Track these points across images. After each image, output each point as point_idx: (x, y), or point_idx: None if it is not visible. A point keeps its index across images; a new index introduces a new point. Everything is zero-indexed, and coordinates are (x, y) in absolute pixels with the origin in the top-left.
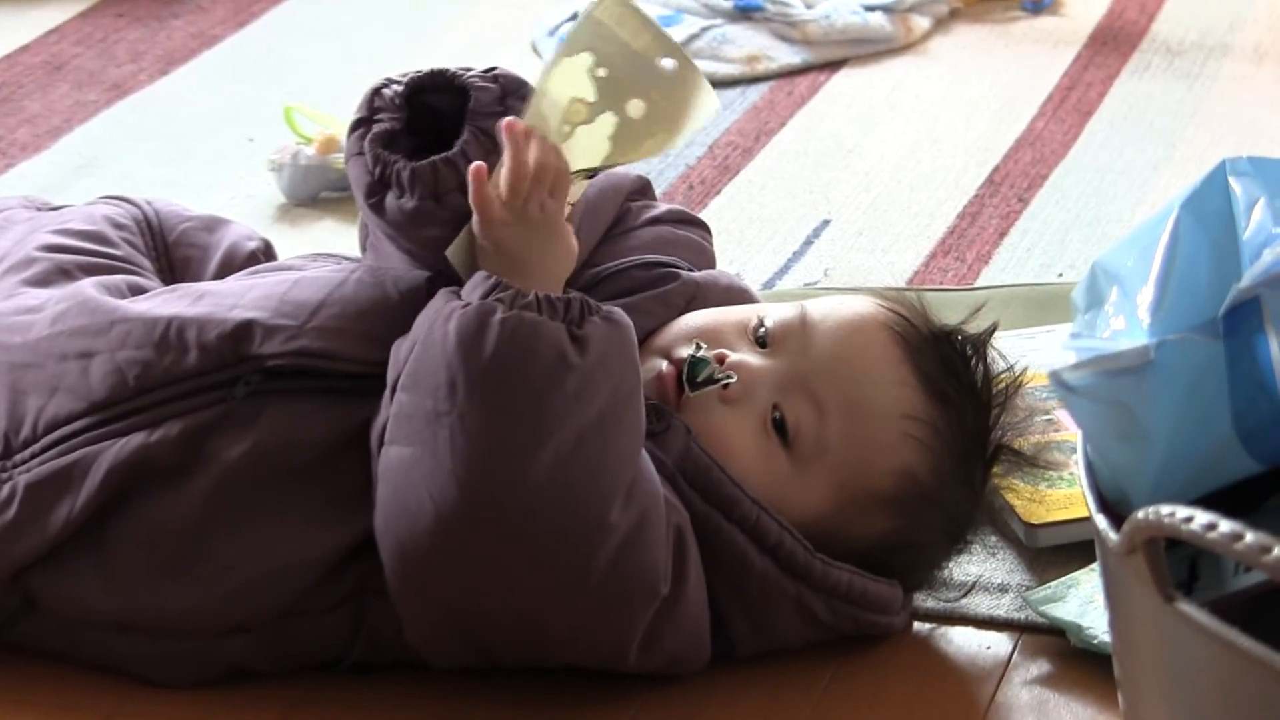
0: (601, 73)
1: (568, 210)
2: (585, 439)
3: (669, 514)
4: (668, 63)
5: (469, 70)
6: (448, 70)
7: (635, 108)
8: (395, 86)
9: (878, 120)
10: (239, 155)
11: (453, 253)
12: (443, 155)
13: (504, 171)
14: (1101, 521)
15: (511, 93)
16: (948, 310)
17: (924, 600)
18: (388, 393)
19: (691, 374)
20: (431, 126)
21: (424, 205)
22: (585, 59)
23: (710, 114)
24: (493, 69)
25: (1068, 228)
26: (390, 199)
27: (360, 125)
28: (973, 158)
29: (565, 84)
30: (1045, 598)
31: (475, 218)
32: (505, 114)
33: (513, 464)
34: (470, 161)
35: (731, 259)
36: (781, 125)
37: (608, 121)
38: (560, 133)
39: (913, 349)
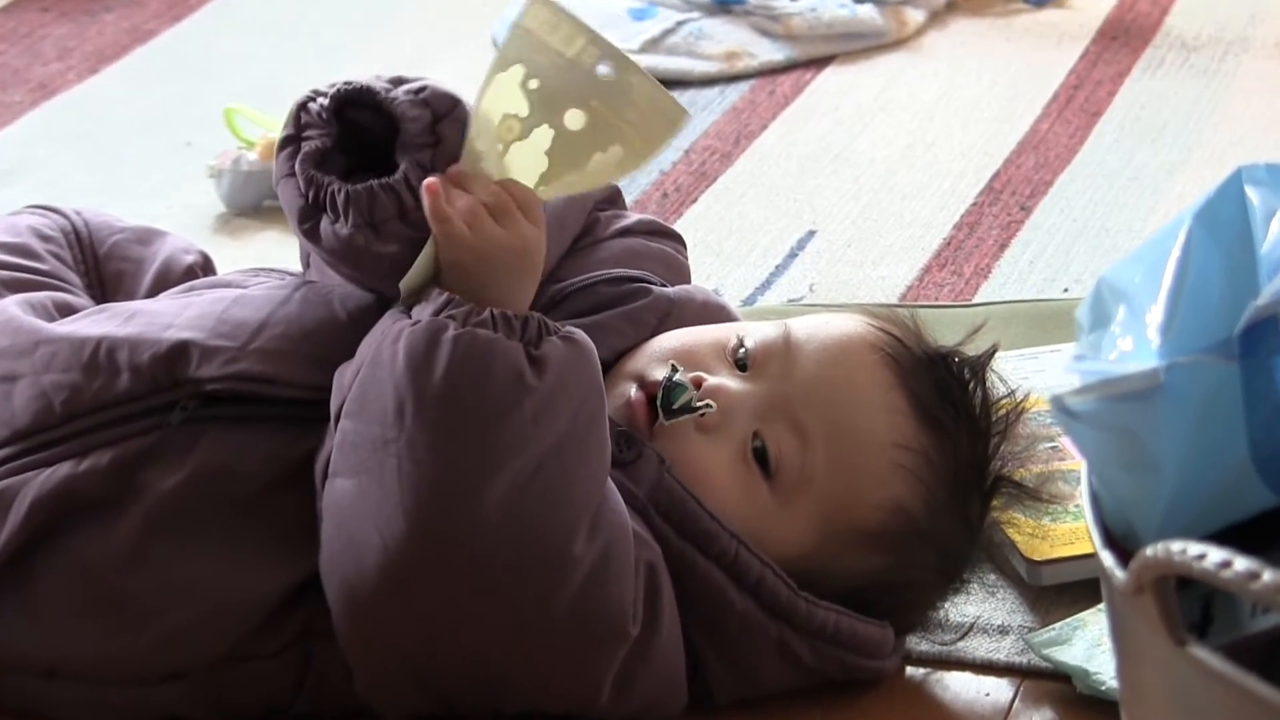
0: (533, 85)
1: None
2: (544, 466)
3: (639, 549)
4: (604, 69)
5: (397, 86)
6: (375, 90)
7: (574, 119)
8: (322, 100)
9: (868, 122)
10: (175, 161)
11: (406, 284)
12: (382, 180)
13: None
14: (1107, 558)
15: (443, 116)
16: (944, 329)
17: (917, 643)
18: (332, 422)
19: (667, 400)
20: (363, 140)
21: (361, 233)
22: (516, 72)
23: (676, 123)
24: (422, 88)
25: (1074, 239)
26: (325, 224)
27: (288, 143)
28: (971, 163)
29: (498, 101)
30: (1049, 640)
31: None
32: (437, 143)
33: (465, 493)
34: (411, 188)
35: (709, 273)
36: (763, 128)
37: (543, 135)
38: (494, 153)
39: (905, 372)
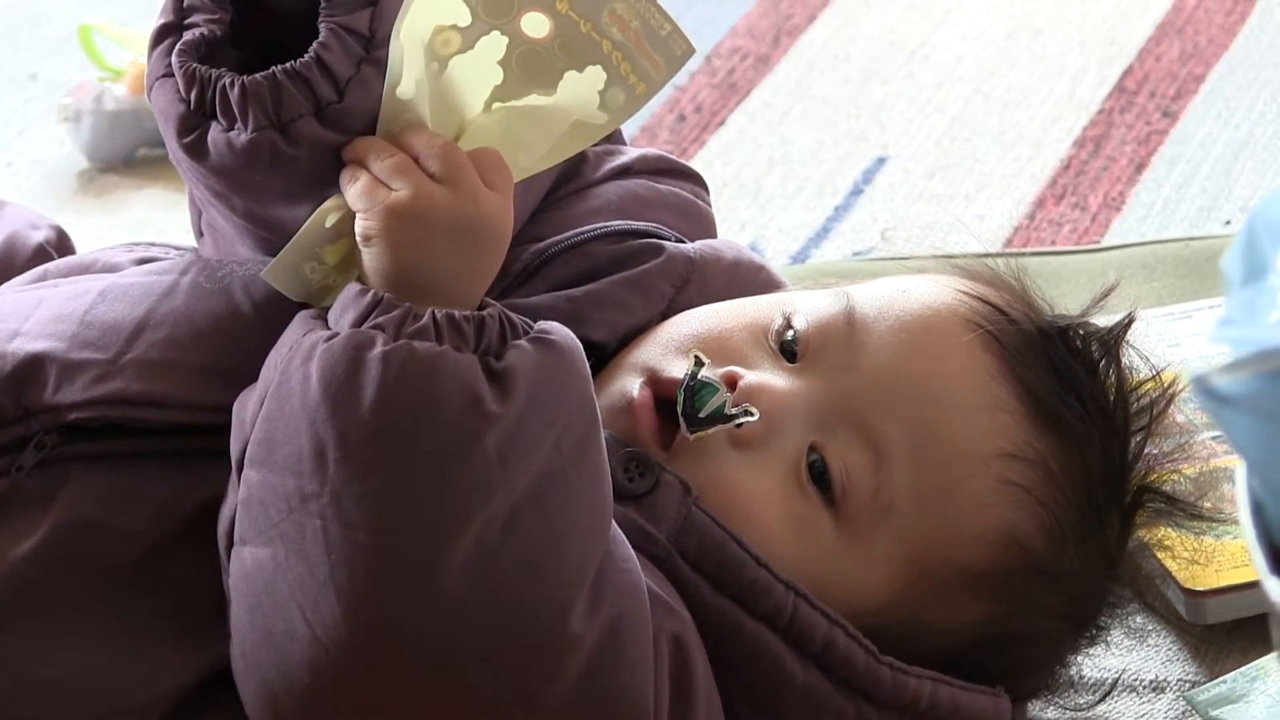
0: None
1: None
2: (520, 518)
3: (660, 618)
4: None
5: None
6: None
7: (534, 24)
8: None
9: (952, 6)
10: (16, 99)
11: (276, 274)
12: (288, 66)
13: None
14: (1275, 588)
15: None
16: (1065, 284)
17: (1042, 709)
18: (234, 472)
19: (690, 405)
20: (269, 35)
21: (263, 138)
22: None
23: (678, 58)
24: None
25: (1236, 153)
26: (214, 134)
27: (166, 34)
28: (1094, 55)
29: (425, 15)
30: (1218, 697)
31: (357, 217)
32: (376, 1)
33: (417, 563)
34: (330, 72)
35: (744, 221)
36: (811, 19)
37: (494, 43)
38: (429, 73)
39: (1012, 355)
